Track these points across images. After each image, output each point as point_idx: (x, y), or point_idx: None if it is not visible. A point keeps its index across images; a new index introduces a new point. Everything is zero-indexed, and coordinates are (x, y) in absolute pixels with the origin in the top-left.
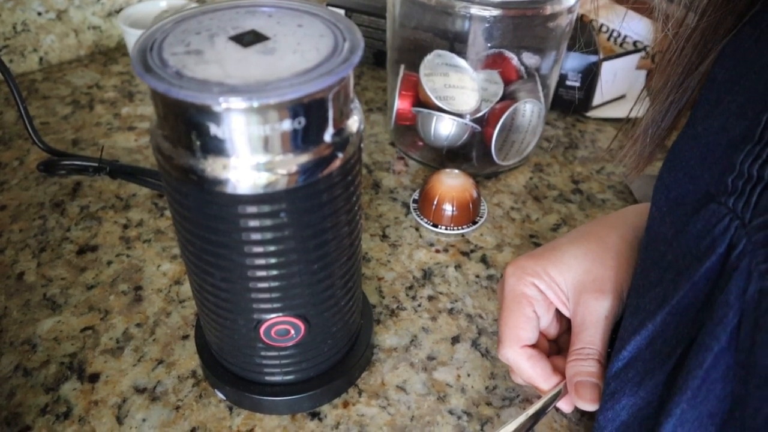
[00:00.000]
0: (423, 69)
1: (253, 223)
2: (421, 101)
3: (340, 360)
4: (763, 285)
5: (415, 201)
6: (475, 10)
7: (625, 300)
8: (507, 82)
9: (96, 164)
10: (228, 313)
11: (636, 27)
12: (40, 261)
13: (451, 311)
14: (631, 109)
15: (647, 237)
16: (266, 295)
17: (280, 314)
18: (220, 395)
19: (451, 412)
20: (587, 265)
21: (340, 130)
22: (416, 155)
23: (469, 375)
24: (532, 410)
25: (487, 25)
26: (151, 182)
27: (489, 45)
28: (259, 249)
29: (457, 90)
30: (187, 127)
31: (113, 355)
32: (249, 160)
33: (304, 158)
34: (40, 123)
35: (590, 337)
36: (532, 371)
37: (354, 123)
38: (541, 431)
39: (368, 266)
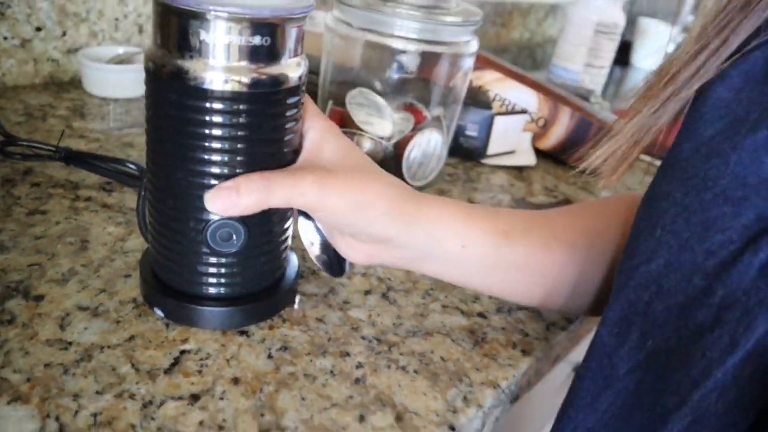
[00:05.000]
0: (349, 98)
1: (217, 118)
2: (345, 127)
3: (269, 288)
4: None
5: None
6: (396, 43)
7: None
8: (416, 124)
9: (53, 149)
10: (181, 215)
11: (523, 98)
12: None
13: (364, 274)
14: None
15: (656, 268)
16: None
17: (225, 218)
18: (159, 313)
19: (363, 338)
20: (392, 192)
21: (294, 61)
22: None
23: (379, 315)
24: None
25: (403, 76)
26: (105, 169)
27: (404, 96)
28: (217, 145)
29: (376, 119)
30: (182, 32)
31: (58, 284)
32: (225, 63)
33: (267, 70)
34: None
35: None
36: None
37: (302, 64)
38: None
39: (295, 242)
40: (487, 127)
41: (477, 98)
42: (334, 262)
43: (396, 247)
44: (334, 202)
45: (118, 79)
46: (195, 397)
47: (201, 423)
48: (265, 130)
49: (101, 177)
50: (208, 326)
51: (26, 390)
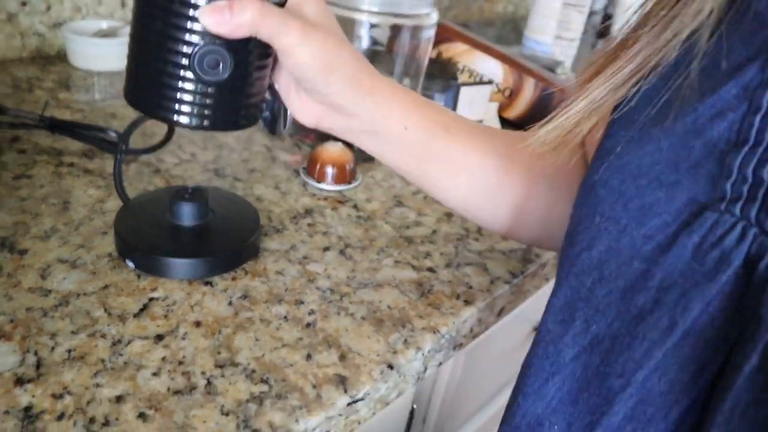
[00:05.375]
0: None
1: None
2: None
3: (234, 241)
4: None
5: (304, 168)
6: (360, 16)
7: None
8: None
9: (38, 118)
10: (171, 37)
11: (489, 67)
12: None
13: (325, 233)
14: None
15: (597, 254)
16: None
17: (215, 44)
18: (130, 264)
19: (318, 288)
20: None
21: None
22: (309, 143)
23: (334, 269)
24: None
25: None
26: (86, 136)
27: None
28: None
29: None
30: None
31: (41, 240)
32: None
33: None
34: None
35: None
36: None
37: None
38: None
39: (261, 204)
40: (453, 97)
41: (444, 69)
42: (274, 121)
43: (345, 116)
44: (308, 53)
45: (102, 53)
46: (159, 337)
47: (163, 359)
48: None
49: (84, 144)
50: (174, 277)
51: (9, 329)
